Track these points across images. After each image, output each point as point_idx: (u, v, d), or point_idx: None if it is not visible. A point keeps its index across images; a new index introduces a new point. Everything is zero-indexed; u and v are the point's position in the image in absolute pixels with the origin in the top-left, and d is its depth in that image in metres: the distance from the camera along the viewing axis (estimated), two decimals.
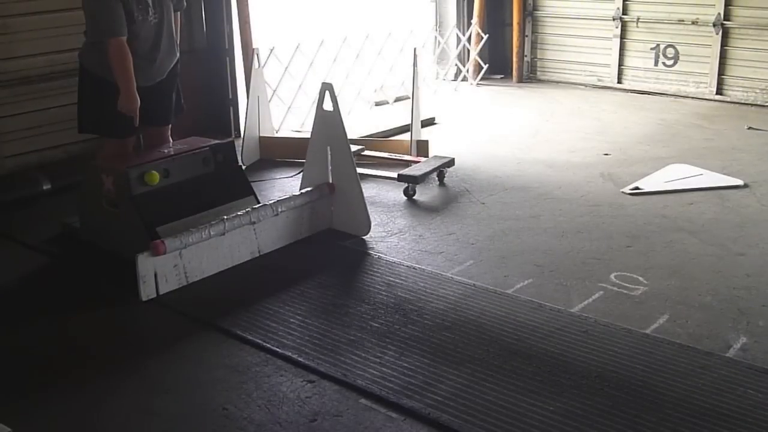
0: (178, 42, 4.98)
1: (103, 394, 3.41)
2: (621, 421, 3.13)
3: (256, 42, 7.10)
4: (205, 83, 6.94)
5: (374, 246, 4.88)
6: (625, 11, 8.95)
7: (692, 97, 8.64)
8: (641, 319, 3.94)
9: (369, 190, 5.68)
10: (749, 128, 7.45)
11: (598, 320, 3.91)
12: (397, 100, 8.45)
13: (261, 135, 6.64)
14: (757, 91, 8.27)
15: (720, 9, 8.26)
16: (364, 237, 4.97)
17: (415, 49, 6.54)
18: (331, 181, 5.04)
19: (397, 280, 4.38)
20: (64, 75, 5.88)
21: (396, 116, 7.75)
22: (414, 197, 5.72)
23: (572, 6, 9.35)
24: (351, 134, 5.29)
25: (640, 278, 4.40)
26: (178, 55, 4.96)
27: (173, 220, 4.58)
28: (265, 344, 3.73)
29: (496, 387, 3.37)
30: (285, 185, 6.00)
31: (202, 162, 4.86)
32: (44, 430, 3.19)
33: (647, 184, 5.92)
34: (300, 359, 3.60)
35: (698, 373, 3.44)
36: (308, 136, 5.18)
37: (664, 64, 8.83)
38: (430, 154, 6.39)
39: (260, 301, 4.16)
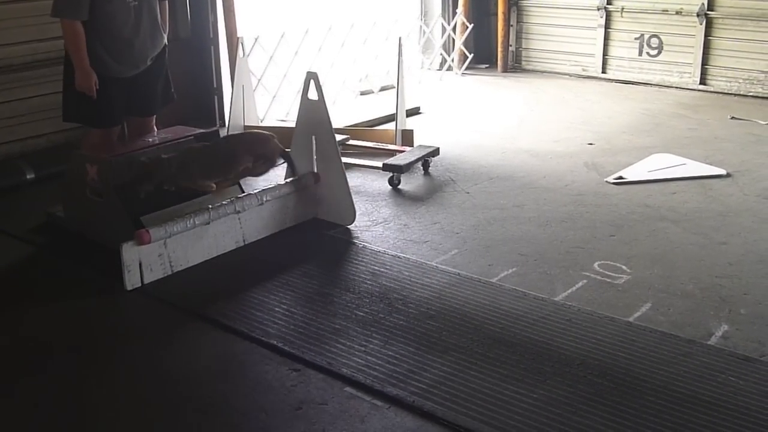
0: (166, 32, 4.95)
1: (88, 383, 3.41)
2: (604, 408, 3.16)
3: (241, 31, 7.07)
4: (189, 72, 6.90)
5: (359, 235, 4.88)
6: (609, 1, 8.97)
7: (676, 87, 8.68)
8: (624, 307, 3.97)
9: (354, 179, 5.68)
10: (732, 118, 7.50)
11: (581, 309, 3.94)
12: (382, 89, 8.44)
13: (246, 124, 6.62)
14: (740, 81, 8.32)
15: None
16: (349, 226, 4.97)
17: (400, 39, 6.54)
18: (316, 171, 5.04)
19: (382, 269, 4.39)
20: (48, 63, 5.84)
21: (381, 106, 7.74)
22: (399, 187, 5.72)
23: None
24: (336, 123, 5.29)
25: (624, 267, 4.43)
26: (164, 43, 4.94)
27: (158, 210, 4.57)
28: (250, 333, 3.74)
29: (480, 375, 3.39)
30: (270, 174, 5.97)
31: None
32: (27, 420, 3.19)
33: (631, 173, 5.95)
34: (285, 348, 3.60)
35: (680, 361, 3.48)
36: (293, 125, 5.18)
37: (648, 54, 8.86)
38: (415, 144, 6.39)
39: (245, 291, 4.16)
